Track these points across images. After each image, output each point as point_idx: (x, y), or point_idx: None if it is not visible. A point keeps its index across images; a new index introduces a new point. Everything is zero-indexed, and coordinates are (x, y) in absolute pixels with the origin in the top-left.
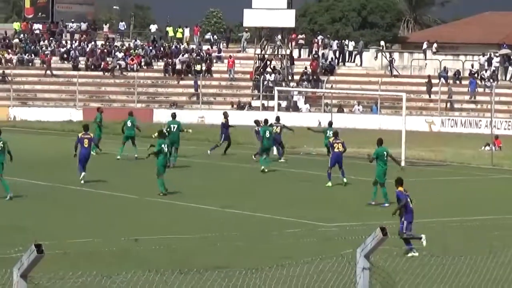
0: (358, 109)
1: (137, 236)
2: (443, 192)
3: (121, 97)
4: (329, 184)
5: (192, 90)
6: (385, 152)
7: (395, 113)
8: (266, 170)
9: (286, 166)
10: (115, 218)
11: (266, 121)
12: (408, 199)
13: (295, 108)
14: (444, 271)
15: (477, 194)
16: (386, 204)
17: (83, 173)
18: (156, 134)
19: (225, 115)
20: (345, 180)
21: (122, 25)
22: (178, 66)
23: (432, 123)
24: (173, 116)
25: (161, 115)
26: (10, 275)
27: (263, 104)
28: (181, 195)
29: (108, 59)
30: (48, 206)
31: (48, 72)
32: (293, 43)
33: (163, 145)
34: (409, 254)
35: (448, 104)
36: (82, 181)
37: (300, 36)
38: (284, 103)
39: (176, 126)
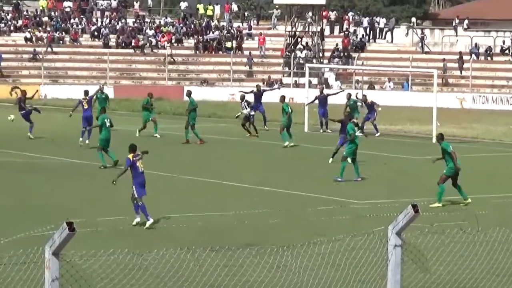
0: (389, 86)
1: (169, 213)
2: (475, 168)
3: (152, 74)
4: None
5: (222, 67)
6: (355, 128)
7: (426, 90)
8: (285, 145)
9: (314, 143)
10: (147, 196)
11: (283, 97)
12: (137, 164)
13: (326, 85)
14: (476, 248)
15: (509, 170)
16: (339, 179)
17: (80, 139)
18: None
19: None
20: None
21: (149, 2)
22: (163, 49)
23: (463, 100)
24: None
25: (192, 92)
26: (42, 253)
27: (295, 81)
28: (213, 173)
29: (138, 36)
30: (80, 184)
31: (49, 49)
32: (324, 20)
33: (105, 120)
34: (134, 222)
35: (444, 80)
36: (81, 144)
37: (331, 13)
38: (315, 80)
39: (189, 102)
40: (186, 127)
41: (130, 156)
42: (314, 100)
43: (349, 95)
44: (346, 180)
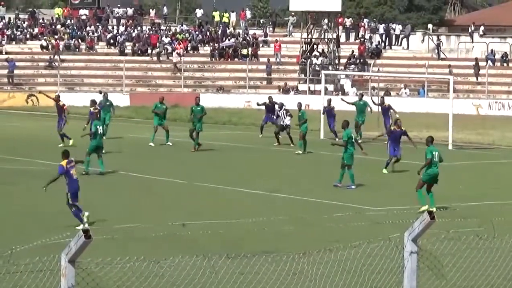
0: (405, 93)
1: (185, 221)
2: (491, 175)
3: (168, 82)
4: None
5: (238, 75)
6: (352, 135)
7: (442, 96)
8: (299, 152)
9: (329, 150)
10: (163, 203)
11: (300, 104)
12: (71, 171)
13: (342, 91)
14: (492, 254)
15: None
16: (353, 186)
17: None
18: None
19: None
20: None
21: (165, 10)
22: (173, 58)
23: (480, 106)
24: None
25: (208, 100)
26: (58, 261)
27: (308, 88)
28: (228, 180)
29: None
30: (95, 191)
31: (56, 57)
32: (340, 27)
33: (98, 126)
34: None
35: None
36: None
37: (346, 20)
38: (331, 87)
39: (199, 109)
40: (192, 135)
41: (64, 163)
42: (324, 112)
43: (362, 95)
44: (358, 185)
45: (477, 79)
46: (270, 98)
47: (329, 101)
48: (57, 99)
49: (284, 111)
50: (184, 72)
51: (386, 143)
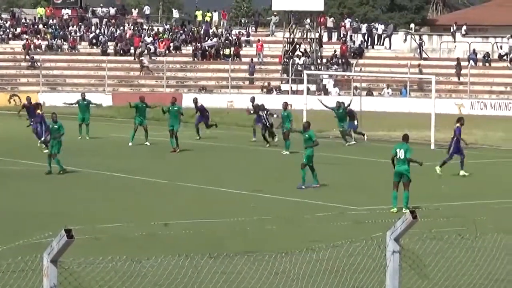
0: (388, 92)
1: (167, 220)
2: (473, 174)
3: (150, 82)
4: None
5: (221, 74)
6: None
7: (424, 96)
8: (285, 152)
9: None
10: (145, 203)
11: (286, 104)
12: None
13: (324, 91)
14: (475, 254)
15: (506, 176)
16: (303, 187)
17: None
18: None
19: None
20: None
21: (147, 9)
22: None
23: (462, 106)
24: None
25: (190, 100)
26: (40, 260)
27: (291, 88)
28: (210, 180)
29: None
30: (78, 191)
31: (27, 57)
32: (322, 27)
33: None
34: None
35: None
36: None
37: (329, 20)
38: (313, 87)
39: (176, 109)
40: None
41: None
42: (252, 112)
43: (338, 104)
44: (342, 185)
45: (459, 79)
46: (195, 99)
47: (253, 99)
48: (29, 104)
49: (265, 113)
50: (166, 72)
51: (451, 143)
